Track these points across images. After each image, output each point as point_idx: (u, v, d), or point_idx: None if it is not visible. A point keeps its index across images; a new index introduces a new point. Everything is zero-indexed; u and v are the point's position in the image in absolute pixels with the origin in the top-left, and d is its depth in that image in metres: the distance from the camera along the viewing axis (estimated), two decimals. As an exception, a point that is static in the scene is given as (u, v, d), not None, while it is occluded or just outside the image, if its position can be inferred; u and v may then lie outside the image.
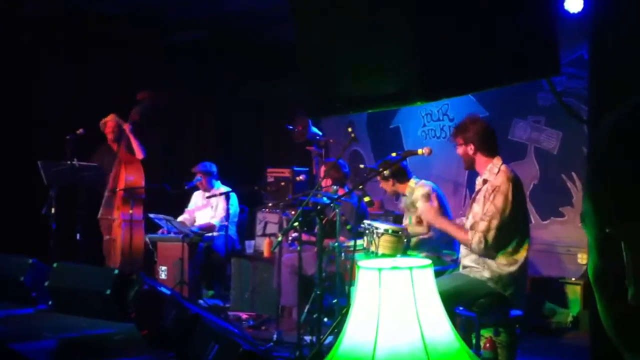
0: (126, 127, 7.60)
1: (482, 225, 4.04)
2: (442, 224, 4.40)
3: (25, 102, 7.96)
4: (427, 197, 5.20)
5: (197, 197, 7.70)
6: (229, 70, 9.02)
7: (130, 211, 7.13)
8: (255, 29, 8.14)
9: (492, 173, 4.18)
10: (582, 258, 6.25)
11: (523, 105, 6.84)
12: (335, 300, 5.30)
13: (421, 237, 5.18)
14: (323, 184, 6.12)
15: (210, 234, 7.23)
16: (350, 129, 5.55)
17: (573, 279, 6.29)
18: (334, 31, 2.03)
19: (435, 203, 4.55)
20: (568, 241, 6.48)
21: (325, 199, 5.36)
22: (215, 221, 7.36)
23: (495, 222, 4.01)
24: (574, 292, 6.21)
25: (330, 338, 4.49)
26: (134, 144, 7.62)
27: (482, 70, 1.96)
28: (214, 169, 7.51)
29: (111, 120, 7.76)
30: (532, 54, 2.08)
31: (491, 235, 4.02)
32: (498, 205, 4.03)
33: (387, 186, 5.62)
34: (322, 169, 6.50)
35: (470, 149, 4.25)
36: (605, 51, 2.38)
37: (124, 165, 7.49)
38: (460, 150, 4.33)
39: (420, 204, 4.98)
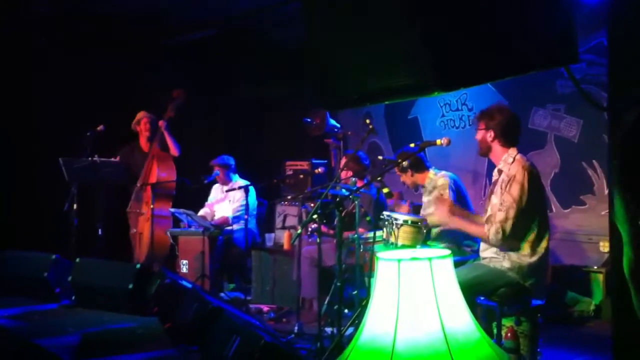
0: (161, 124, 7.67)
1: (500, 216, 4.02)
2: (456, 223, 4.36)
3: (44, 101, 8.03)
4: (443, 193, 5.17)
5: (217, 191, 7.74)
6: (238, 66, 9.03)
7: (152, 206, 7.18)
8: (263, 28, 8.15)
9: (507, 163, 4.16)
10: (604, 246, 6.20)
11: (542, 93, 6.79)
12: (355, 292, 5.31)
13: (442, 228, 5.16)
14: (343, 175, 6.11)
15: (230, 228, 7.25)
16: (368, 121, 5.53)
17: (595, 267, 6.25)
18: (345, 27, 2.02)
19: (450, 198, 4.50)
20: (590, 230, 6.43)
21: (344, 191, 5.36)
22: (229, 214, 7.39)
23: (512, 212, 3.99)
24: (596, 280, 6.17)
25: (350, 329, 4.50)
26: (169, 142, 7.70)
27: (499, 59, 1.95)
28: (232, 162, 7.54)
29: (145, 117, 7.84)
30: (550, 42, 2.07)
31: (509, 225, 3.99)
32: (514, 194, 4.01)
33: (407, 178, 5.60)
34: (343, 160, 6.49)
35: (490, 135, 4.23)
36: (624, 37, 2.35)
37: (156, 162, 7.55)
38: (479, 135, 4.30)
39: (434, 206, 4.95)
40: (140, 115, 7.89)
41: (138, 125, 7.88)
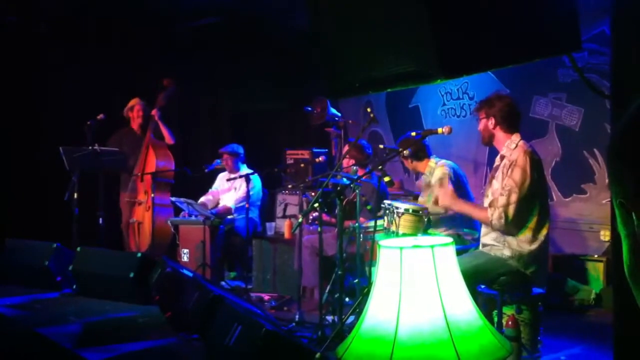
0: (154, 113, 7.65)
1: (502, 200, 4.02)
2: (460, 206, 4.37)
3: (43, 89, 8.02)
4: (441, 182, 5.17)
5: (222, 179, 7.72)
6: (243, 55, 9.01)
7: (152, 195, 7.18)
8: (268, 18, 8.13)
9: (510, 149, 4.16)
10: (605, 235, 6.20)
11: (544, 82, 6.77)
12: (356, 281, 5.31)
13: (441, 215, 5.16)
14: (344, 163, 6.11)
15: (231, 217, 7.26)
16: (369, 109, 5.52)
17: (596, 256, 6.26)
18: (348, 13, 2.02)
19: (450, 187, 4.50)
20: (590, 218, 6.43)
21: (345, 179, 5.36)
22: (232, 204, 7.39)
23: (514, 196, 3.99)
24: (597, 269, 6.18)
25: (351, 318, 4.50)
26: (163, 130, 7.69)
27: (502, 46, 1.94)
28: (241, 150, 7.52)
29: (138, 104, 7.83)
30: (552, 30, 2.06)
31: (511, 209, 3.99)
32: (516, 179, 4.01)
33: (407, 163, 5.62)
34: (345, 148, 6.48)
35: (491, 123, 4.22)
36: (627, 26, 2.34)
37: (152, 150, 7.54)
38: (481, 124, 4.30)
39: (437, 190, 4.95)
40: (134, 102, 7.87)
41: (131, 112, 7.86)
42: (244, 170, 7.49)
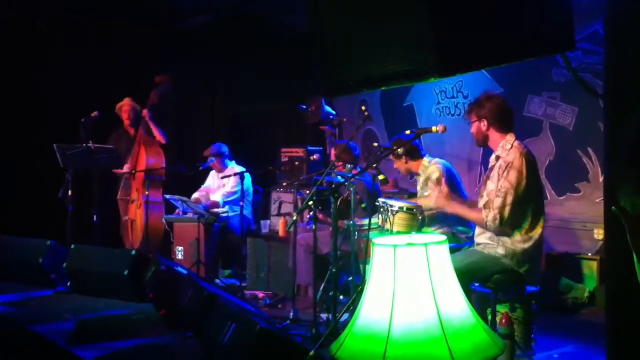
0: (144, 113, 7.64)
1: (497, 202, 4.02)
2: (455, 208, 4.35)
3: (40, 87, 8.00)
4: (438, 182, 5.17)
5: (213, 177, 7.73)
6: (240, 54, 9.01)
7: (147, 192, 7.17)
8: (266, 15, 8.12)
9: (505, 149, 4.16)
10: (599, 234, 6.22)
11: (538, 81, 6.78)
12: (350, 279, 5.32)
13: (434, 212, 5.15)
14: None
15: (225, 214, 7.25)
16: (363, 108, 5.52)
17: (589, 254, 6.27)
18: (347, 11, 2.02)
19: (445, 188, 4.48)
20: (584, 217, 6.45)
21: (339, 178, 5.36)
22: (220, 199, 7.39)
23: (510, 198, 4.00)
24: (590, 268, 6.19)
25: (346, 316, 4.51)
26: (154, 131, 7.69)
27: (497, 45, 1.95)
28: (225, 149, 7.53)
29: (126, 105, 7.86)
30: (547, 30, 2.07)
31: (507, 211, 4.00)
32: (512, 181, 4.01)
33: (401, 165, 5.62)
34: (333, 152, 6.50)
35: (484, 125, 4.22)
36: (621, 26, 2.35)
37: (144, 148, 7.54)
38: (473, 127, 4.29)
39: (431, 191, 4.96)
40: (123, 103, 7.89)
41: (120, 113, 7.90)
42: (234, 167, 7.49)
